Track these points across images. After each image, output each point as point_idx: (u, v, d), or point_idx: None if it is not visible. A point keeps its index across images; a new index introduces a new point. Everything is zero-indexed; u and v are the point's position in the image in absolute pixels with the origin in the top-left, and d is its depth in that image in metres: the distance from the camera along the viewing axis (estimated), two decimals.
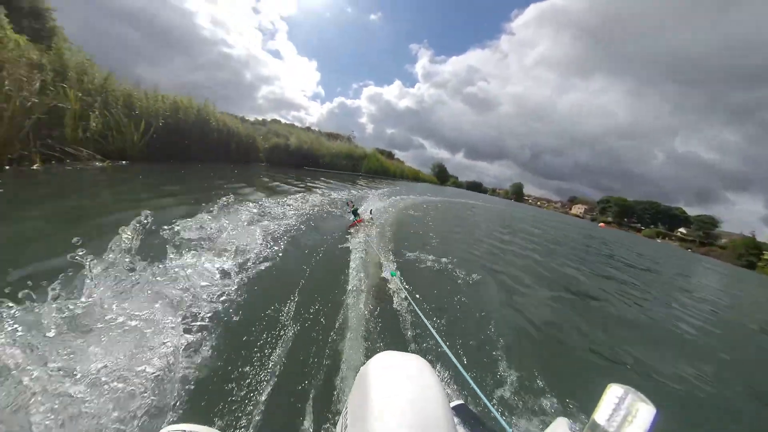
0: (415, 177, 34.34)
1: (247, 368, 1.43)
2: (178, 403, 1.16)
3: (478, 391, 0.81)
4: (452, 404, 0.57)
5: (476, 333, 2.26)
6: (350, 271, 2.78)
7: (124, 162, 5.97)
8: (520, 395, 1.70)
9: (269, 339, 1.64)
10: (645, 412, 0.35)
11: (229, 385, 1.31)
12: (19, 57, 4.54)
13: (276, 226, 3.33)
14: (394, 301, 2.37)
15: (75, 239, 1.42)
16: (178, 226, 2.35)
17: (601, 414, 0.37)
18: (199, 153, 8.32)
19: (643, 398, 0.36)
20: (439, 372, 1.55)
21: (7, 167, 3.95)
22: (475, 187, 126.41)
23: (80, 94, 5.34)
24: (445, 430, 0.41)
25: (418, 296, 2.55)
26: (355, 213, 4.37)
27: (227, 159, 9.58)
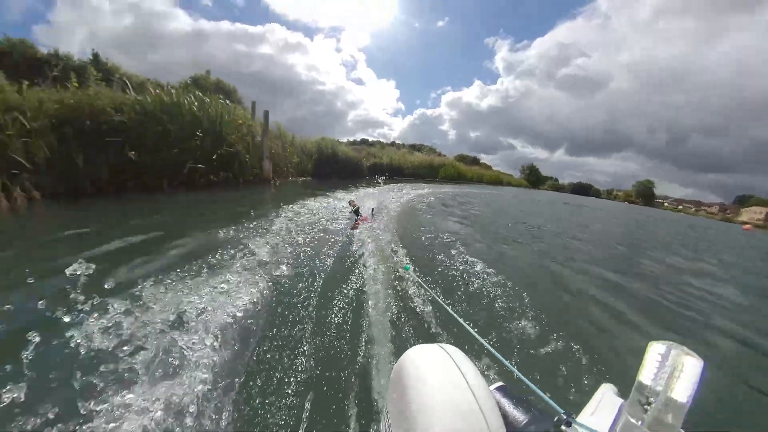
0: (495, 181, 34.92)
1: (280, 374, 1.47)
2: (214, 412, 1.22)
3: (514, 370, 0.76)
4: (492, 387, 0.57)
5: (504, 316, 2.30)
6: (363, 269, 2.82)
7: (310, 178, 11.55)
8: (560, 369, 1.74)
9: (294, 345, 1.69)
10: (692, 365, 0.33)
11: (261, 393, 1.36)
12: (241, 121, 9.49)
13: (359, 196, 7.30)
14: (412, 295, 2.41)
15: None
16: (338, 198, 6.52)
17: (645, 374, 0.36)
18: (336, 172, 13.84)
19: (688, 351, 0.34)
20: (473, 358, 1.17)
21: (277, 181, 9.42)
22: (582, 190, 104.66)
23: (286, 144, 11.02)
24: (488, 414, 0.41)
25: (437, 289, 2.62)
26: (356, 212, 4.59)
27: (349, 175, 14.91)
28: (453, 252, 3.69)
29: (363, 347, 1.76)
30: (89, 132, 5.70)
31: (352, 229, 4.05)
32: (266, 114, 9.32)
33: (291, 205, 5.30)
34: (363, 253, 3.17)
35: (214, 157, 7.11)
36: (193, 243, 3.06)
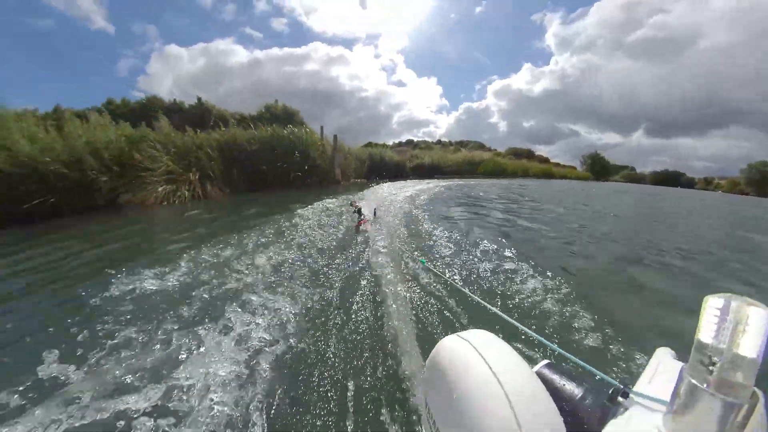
0: (545, 174, 33.66)
1: (315, 378, 1.49)
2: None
3: (557, 348, 0.71)
4: (537, 366, 0.56)
5: (533, 296, 2.31)
6: (379, 267, 2.80)
7: (365, 180, 14.62)
8: (608, 341, 1.72)
9: (323, 345, 1.71)
10: (759, 316, 0.29)
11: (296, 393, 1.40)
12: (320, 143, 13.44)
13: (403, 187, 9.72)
14: (431, 286, 2.41)
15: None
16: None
17: (705, 331, 0.32)
18: (384, 173, 16.75)
19: (751, 301, 0.30)
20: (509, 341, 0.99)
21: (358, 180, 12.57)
22: (669, 179, 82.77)
23: (347, 155, 14.23)
24: (535, 393, 0.40)
25: (457, 278, 2.65)
26: (359, 212, 4.60)
27: (394, 175, 17.68)
28: (456, 235, 4.08)
29: (386, 342, 1.75)
30: (236, 155, 9.48)
31: (356, 229, 4.24)
32: (335, 137, 12.71)
33: (349, 194, 8.38)
34: (375, 249, 3.28)
35: (306, 167, 10.50)
36: (311, 209, 6.06)
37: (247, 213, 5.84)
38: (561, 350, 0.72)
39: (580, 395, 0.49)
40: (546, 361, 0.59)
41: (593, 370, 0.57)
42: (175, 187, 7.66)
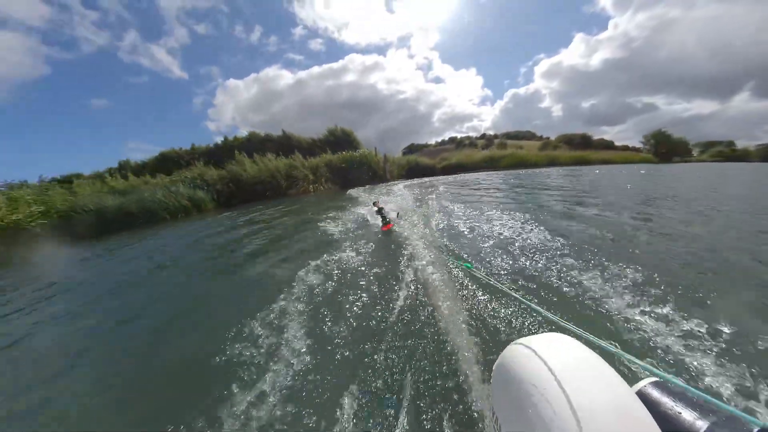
0: (578, 161, 34.44)
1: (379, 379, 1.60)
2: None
3: (661, 373, 0.55)
4: (640, 385, 0.49)
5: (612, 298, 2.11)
6: (423, 273, 2.84)
7: (405, 178, 22.07)
8: (733, 359, 1.46)
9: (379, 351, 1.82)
10: None
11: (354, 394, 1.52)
12: (377, 158, 21.31)
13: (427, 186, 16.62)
14: (479, 292, 2.36)
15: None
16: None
17: None
18: (418, 173, 23.90)
19: None
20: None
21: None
22: None
23: (392, 164, 21.82)
24: (629, 416, 0.35)
25: (510, 281, 2.54)
26: (380, 212, 4.87)
27: (427, 173, 24.63)
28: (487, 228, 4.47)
29: (444, 347, 1.76)
30: (340, 168, 17.82)
31: (381, 231, 4.49)
32: (385, 155, 20.45)
33: (394, 185, 15.89)
34: (411, 255, 3.36)
35: (370, 173, 18.42)
36: (378, 189, 13.72)
37: (349, 194, 13.49)
38: (663, 372, 0.54)
39: (703, 428, 0.40)
40: (652, 379, 0.51)
41: (725, 406, 0.44)
42: (312, 186, 16.08)
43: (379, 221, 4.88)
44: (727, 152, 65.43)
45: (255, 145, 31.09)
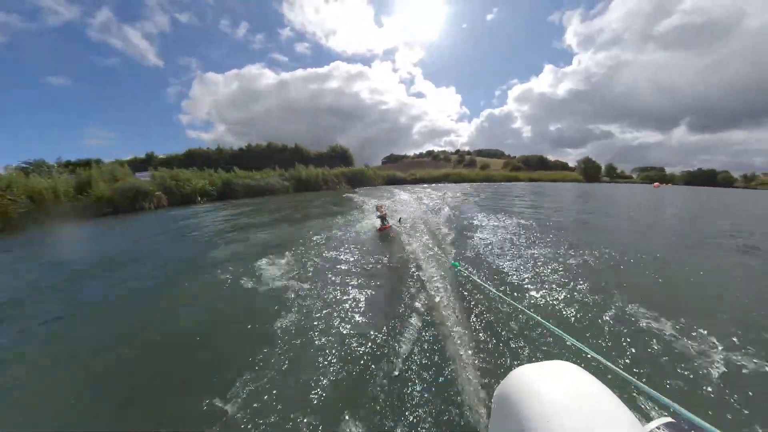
0: (508, 178, 52.07)
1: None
2: None
3: (678, 408, 0.56)
4: (655, 423, 0.46)
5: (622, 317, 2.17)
6: (410, 271, 3.19)
7: (385, 185, 36.34)
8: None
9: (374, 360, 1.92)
10: None
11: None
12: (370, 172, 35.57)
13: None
14: (469, 293, 2.46)
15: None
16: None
17: None
18: (395, 183, 38.35)
19: None
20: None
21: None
22: (703, 179, 75.79)
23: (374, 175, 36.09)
24: None
25: (500, 283, 2.71)
26: (383, 219, 5.14)
27: (399, 183, 38.97)
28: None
29: (432, 364, 1.74)
30: (350, 175, 31.80)
31: (379, 232, 4.89)
32: (374, 168, 34.56)
33: (378, 189, 30.34)
34: (403, 255, 3.79)
35: (363, 180, 32.73)
36: (375, 187, 27.74)
37: (358, 190, 27.45)
38: (680, 409, 0.53)
39: None
40: (668, 419, 0.48)
41: None
42: (338, 185, 29.90)
43: (378, 223, 5.48)
44: (653, 176, 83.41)
45: (274, 152, 44.05)
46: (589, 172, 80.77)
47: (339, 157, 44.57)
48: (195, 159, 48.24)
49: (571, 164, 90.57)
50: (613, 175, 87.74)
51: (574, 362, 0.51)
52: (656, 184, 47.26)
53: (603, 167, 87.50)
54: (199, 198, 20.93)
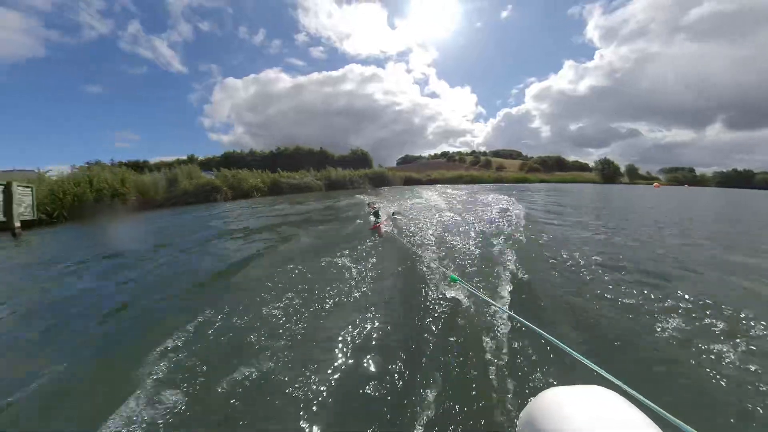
0: (519, 180, 55.80)
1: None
2: None
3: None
4: None
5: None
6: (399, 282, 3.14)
7: (402, 185, 41.17)
8: None
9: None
10: None
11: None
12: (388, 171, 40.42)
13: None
14: (471, 310, 2.34)
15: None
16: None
17: None
18: (411, 184, 43.11)
19: None
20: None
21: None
22: (736, 180, 72.91)
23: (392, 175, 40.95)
24: None
25: (511, 303, 2.56)
26: (376, 215, 5.13)
27: (415, 184, 43.63)
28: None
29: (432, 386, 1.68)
30: (372, 176, 36.89)
31: (372, 231, 4.72)
32: (381, 166, 39.58)
33: (397, 188, 35.27)
34: (393, 262, 3.74)
35: (386, 180, 37.61)
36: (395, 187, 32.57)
37: (382, 189, 32.32)
38: None
39: None
40: None
41: None
42: (362, 185, 34.93)
43: (373, 220, 5.45)
44: (679, 177, 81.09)
45: (303, 155, 49.56)
46: (607, 173, 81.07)
47: (359, 159, 49.77)
48: (230, 160, 54.69)
49: (592, 165, 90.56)
50: (635, 176, 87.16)
51: (614, 389, 0.47)
52: (656, 184, 49.08)
53: (624, 168, 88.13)
54: (255, 192, 26.33)
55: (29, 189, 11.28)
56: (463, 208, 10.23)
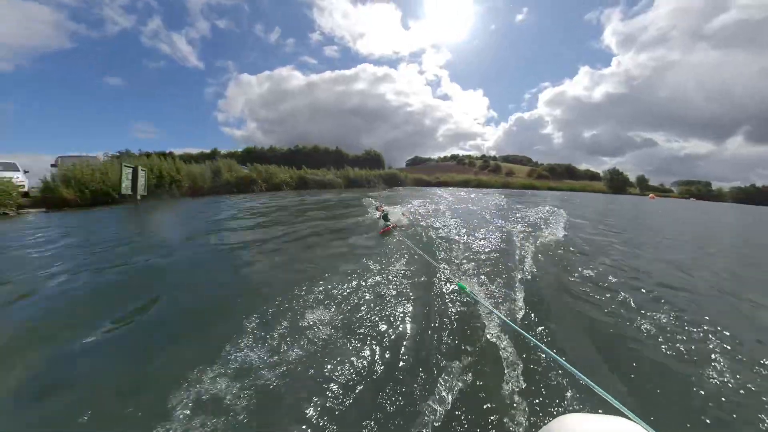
0: (526, 187, 58.77)
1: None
2: None
3: None
4: None
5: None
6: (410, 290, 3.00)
7: (411, 186, 45.01)
8: None
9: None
10: None
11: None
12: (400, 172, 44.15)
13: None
14: (480, 322, 2.28)
15: None
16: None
17: None
18: (420, 184, 46.83)
19: None
20: None
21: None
22: (756, 196, 70.36)
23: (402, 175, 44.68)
24: None
25: (518, 315, 2.47)
26: (385, 218, 4.89)
27: (423, 185, 47.30)
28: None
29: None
30: (385, 177, 40.68)
31: (381, 234, 4.66)
32: (391, 167, 43.34)
33: (407, 189, 39.03)
34: (408, 269, 3.55)
35: (398, 180, 41.42)
36: (406, 187, 36.30)
37: (395, 188, 35.97)
38: None
39: None
40: None
41: None
42: (377, 184, 38.71)
43: (382, 224, 5.39)
44: (692, 190, 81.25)
45: (321, 154, 53.66)
46: (615, 183, 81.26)
47: (373, 159, 53.63)
48: (252, 155, 58.88)
49: (602, 174, 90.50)
50: (645, 187, 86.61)
51: (643, 422, 0.43)
52: (651, 195, 50.55)
53: (635, 178, 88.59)
54: (284, 186, 30.25)
55: (144, 172, 15.31)
56: (476, 211, 10.28)
